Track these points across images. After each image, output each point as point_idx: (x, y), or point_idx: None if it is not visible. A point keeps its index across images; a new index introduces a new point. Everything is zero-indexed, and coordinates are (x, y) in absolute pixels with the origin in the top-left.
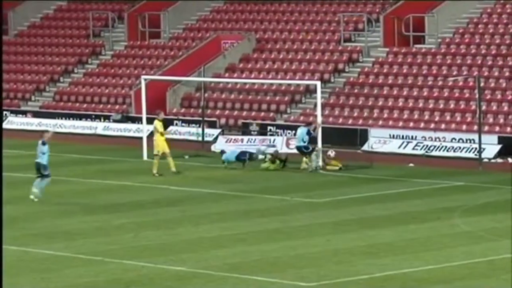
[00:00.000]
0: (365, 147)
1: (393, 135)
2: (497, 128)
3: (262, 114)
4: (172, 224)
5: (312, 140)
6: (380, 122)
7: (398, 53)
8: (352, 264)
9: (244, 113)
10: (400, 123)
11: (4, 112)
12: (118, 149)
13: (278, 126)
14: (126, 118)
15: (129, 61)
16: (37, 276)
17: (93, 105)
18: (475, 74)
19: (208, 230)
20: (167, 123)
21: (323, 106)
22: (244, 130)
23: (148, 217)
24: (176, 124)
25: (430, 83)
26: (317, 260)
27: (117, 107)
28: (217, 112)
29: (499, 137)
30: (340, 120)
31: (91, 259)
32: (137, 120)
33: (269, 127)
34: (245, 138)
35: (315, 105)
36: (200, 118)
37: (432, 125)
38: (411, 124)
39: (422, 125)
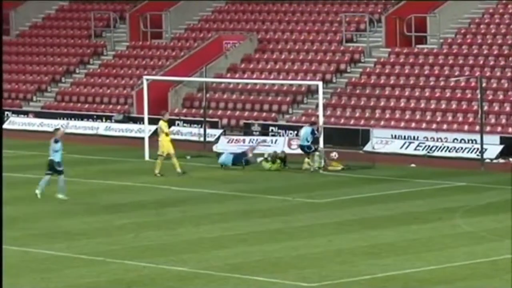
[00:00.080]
0: (367, 148)
1: (395, 136)
2: (499, 129)
3: (264, 114)
4: (173, 224)
5: (315, 140)
6: (382, 123)
7: (400, 53)
8: (354, 264)
9: (246, 113)
10: (402, 124)
11: (6, 112)
12: (120, 150)
13: (280, 127)
14: (128, 119)
15: (131, 62)
16: (37, 276)
17: (94, 106)
18: (477, 75)
19: (209, 230)
20: (169, 124)
21: (325, 107)
22: (246, 130)
23: (149, 218)
24: (178, 125)
25: (432, 83)
26: (319, 261)
27: (118, 107)
28: (219, 112)
29: (501, 138)
30: (342, 121)
31: (93, 259)
32: (139, 120)
33: (270, 128)
34: (247, 138)
35: (317, 105)
36: (202, 119)
37: (434, 126)
38: (413, 124)
39: (424, 125)
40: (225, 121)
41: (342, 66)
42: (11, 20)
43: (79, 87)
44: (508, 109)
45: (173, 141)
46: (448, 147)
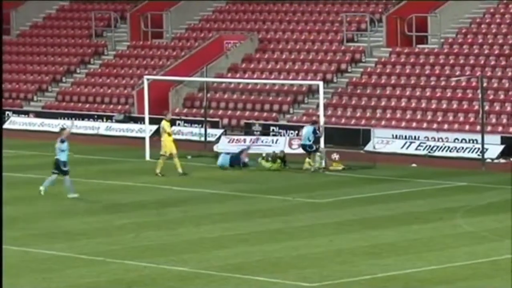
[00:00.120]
0: (368, 148)
1: (396, 135)
2: (500, 128)
3: (265, 114)
4: (174, 224)
5: (317, 140)
6: (383, 122)
7: (400, 53)
8: (354, 264)
9: (247, 113)
10: (403, 123)
11: (7, 112)
12: (120, 149)
13: (281, 127)
14: (129, 118)
15: (132, 61)
16: (38, 277)
17: (95, 105)
18: (478, 74)
19: (210, 230)
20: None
21: (326, 106)
22: (247, 130)
23: (150, 218)
24: (179, 124)
25: (432, 83)
26: (320, 261)
27: (119, 107)
28: (220, 112)
29: (502, 137)
30: (343, 121)
31: (93, 259)
32: (140, 120)
33: (271, 127)
34: (248, 138)
35: (318, 105)
36: (203, 118)
37: (435, 125)
38: (414, 124)
39: (425, 125)
40: (225, 121)
41: (343, 66)
42: (11, 19)
43: (80, 87)
44: (509, 109)
45: (176, 141)
46: (449, 147)
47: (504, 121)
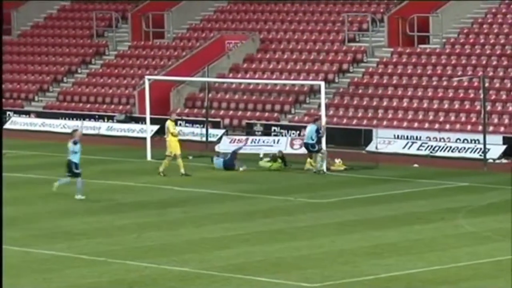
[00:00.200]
0: (370, 148)
1: (398, 136)
2: (502, 129)
3: (266, 114)
4: (175, 224)
5: (319, 140)
6: (385, 123)
7: (402, 53)
8: (356, 264)
9: (248, 113)
10: (405, 124)
11: (8, 112)
12: (122, 150)
13: (282, 127)
14: (130, 119)
15: (133, 61)
16: (38, 277)
17: (96, 105)
18: (480, 74)
19: (211, 230)
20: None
21: (327, 107)
22: (248, 130)
23: (151, 218)
24: (180, 125)
25: (434, 83)
26: (321, 261)
27: (120, 107)
28: (221, 112)
29: (504, 138)
30: (345, 121)
31: (94, 259)
32: (141, 120)
33: (273, 128)
34: (249, 138)
35: (319, 105)
36: (204, 119)
37: (437, 126)
38: (416, 124)
39: (426, 125)
40: (227, 121)
41: (345, 66)
42: (12, 20)
43: (81, 87)
44: (511, 109)
45: (180, 141)
46: (451, 147)
47: (506, 121)
